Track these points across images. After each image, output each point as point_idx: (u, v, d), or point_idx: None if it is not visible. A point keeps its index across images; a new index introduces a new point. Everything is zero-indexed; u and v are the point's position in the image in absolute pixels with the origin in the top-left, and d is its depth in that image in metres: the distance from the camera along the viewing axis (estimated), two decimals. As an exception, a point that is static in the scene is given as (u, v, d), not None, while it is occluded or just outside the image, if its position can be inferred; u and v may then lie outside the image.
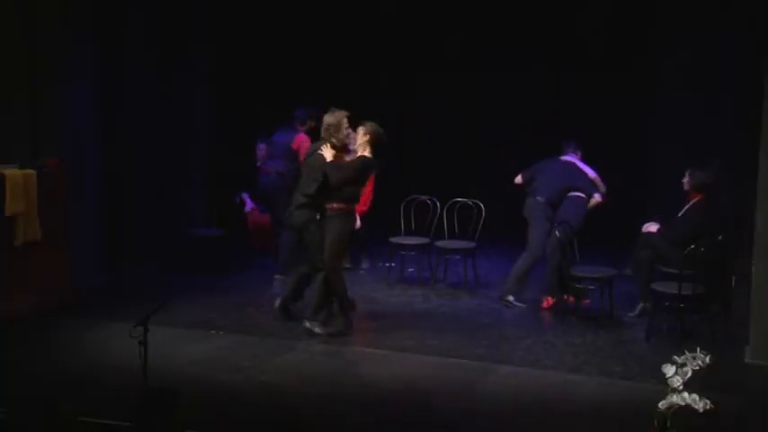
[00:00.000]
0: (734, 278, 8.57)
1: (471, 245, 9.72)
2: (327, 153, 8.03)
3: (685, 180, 8.66)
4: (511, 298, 9.17)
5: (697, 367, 5.05)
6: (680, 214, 8.61)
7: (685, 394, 4.99)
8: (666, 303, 8.10)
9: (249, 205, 10.87)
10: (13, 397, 6.17)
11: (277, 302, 8.56)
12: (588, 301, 8.99)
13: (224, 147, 11.29)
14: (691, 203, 8.56)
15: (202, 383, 6.91)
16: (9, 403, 5.63)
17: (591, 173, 9.17)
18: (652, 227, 8.59)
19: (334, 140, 8.10)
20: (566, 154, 9.32)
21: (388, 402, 6.72)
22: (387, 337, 8.12)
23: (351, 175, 7.96)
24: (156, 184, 10.55)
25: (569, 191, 9.11)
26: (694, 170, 8.59)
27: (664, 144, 10.06)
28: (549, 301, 9.01)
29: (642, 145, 10.64)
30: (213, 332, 8.21)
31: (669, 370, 5.08)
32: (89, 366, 7.27)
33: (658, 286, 8.13)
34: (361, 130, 8.10)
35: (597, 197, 9.08)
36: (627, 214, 9.99)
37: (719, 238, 8.28)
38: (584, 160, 9.31)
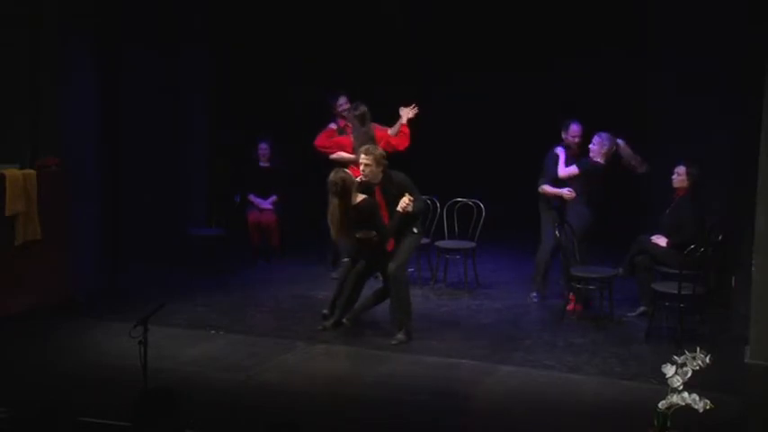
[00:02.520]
0: (734, 278, 8.57)
1: (471, 245, 9.72)
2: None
3: (679, 177, 8.64)
4: (534, 294, 9.25)
5: (697, 367, 5.06)
6: (668, 211, 8.62)
7: (685, 394, 5.00)
8: (666, 303, 8.10)
9: (264, 205, 10.81)
10: (14, 397, 6.17)
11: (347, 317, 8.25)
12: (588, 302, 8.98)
13: (224, 147, 11.29)
14: (679, 198, 8.56)
15: (202, 383, 6.91)
16: (9, 403, 5.62)
17: (561, 169, 9.10)
18: (661, 240, 8.54)
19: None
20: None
21: (387, 402, 6.72)
22: (387, 337, 8.12)
23: None
24: (156, 184, 10.55)
25: (553, 179, 9.14)
26: (692, 167, 8.60)
27: (664, 144, 10.05)
28: (574, 305, 8.87)
29: (642, 145, 10.63)
30: (213, 332, 8.21)
31: (669, 370, 5.08)
32: (89, 366, 7.27)
33: (658, 286, 8.13)
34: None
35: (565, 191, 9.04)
36: (626, 214, 9.98)
37: (719, 238, 8.28)
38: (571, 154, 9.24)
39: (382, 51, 11.68)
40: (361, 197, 8.03)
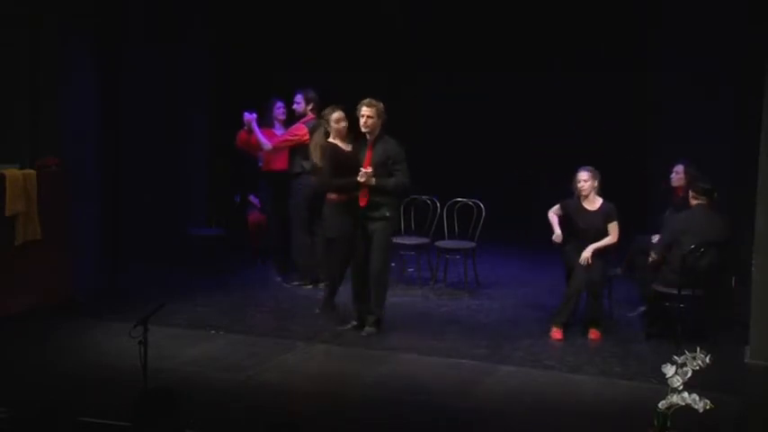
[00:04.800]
0: (734, 278, 8.57)
1: (471, 245, 9.71)
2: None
3: (677, 176, 8.66)
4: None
5: (697, 367, 5.06)
6: (668, 211, 8.63)
7: (685, 394, 4.99)
8: (666, 303, 8.09)
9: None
10: (14, 397, 6.16)
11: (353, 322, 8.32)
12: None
13: (224, 147, 11.29)
14: (679, 198, 8.58)
15: (202, 383, 6.91)
16: (9, 403, 5.63)
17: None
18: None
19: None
20: None
21: (387, 402, 6.71)
22: (387, 337, 8.12)
23: None
24: (156, 184, 10.54)
25: None
26: (690, 166, 8.61)
27: (664, 144, 10.06)
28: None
29: (642, 145, 10.65)
30: (213, 332, 8.21)
31: (669, 370, 5.08)
32: (89, 366, 7.27)
33: (658, 286, 8.12)
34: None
35: None
36: (626, 214, 9.98)
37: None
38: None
39: (382, 51, 11.68)
40: (349, 147, 8.20)
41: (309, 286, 9.64)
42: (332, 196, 8.22)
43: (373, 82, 11.38)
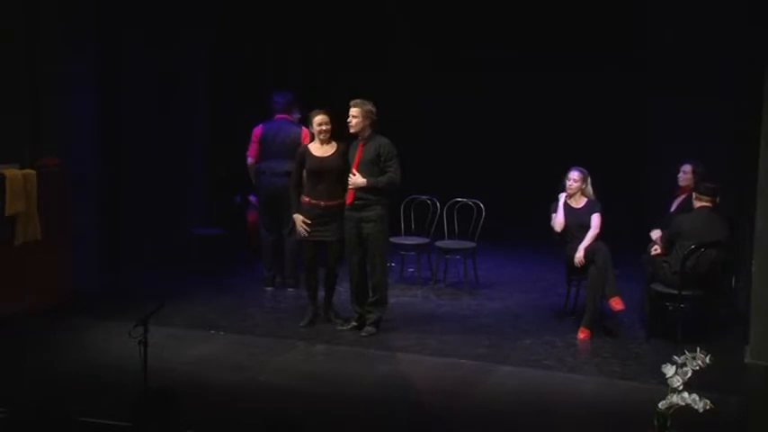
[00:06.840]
0: (734, 278, 8.57)
1: (471, 245, 9.71)
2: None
3: (685, 175, 8.66)
4: None
5: (697, 367, 5.06)
6: (673, 209, 8.63)
7: (685, 394, 5.00)
8: (666, 303, 8.09)
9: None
10: (13, 397, 6.17)
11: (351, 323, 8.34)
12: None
13: (224, 147, 11.29)
14: (686, 197, 8.57)
15: (202, 383, 6.91)
16: (9, 403, 5.63)
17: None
18: (655, 233, 8.50)
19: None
20: None
21: (387, 402, 6.72)
22: (387, 337, 8.12)
23: None
24: (156, 184, 10.55)
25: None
26: (699, 166, 8.60)
27: (663, 144, 10.06)
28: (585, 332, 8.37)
29: (641, 145, 10.64)
30: (213, 332, 8.21)
31: (669, 370, 5.09)
32: (89, 366, 7.27)
33: (658, 286, 8.12)
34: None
35: None
36: (624, 214, 9.99)
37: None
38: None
39: (382, 51, 11.68)
40: (332, 151, 8.15)
41: (270, 288, 9.63)
42: (304, 198, 8.20)
43: (373, 82, 11.43)
